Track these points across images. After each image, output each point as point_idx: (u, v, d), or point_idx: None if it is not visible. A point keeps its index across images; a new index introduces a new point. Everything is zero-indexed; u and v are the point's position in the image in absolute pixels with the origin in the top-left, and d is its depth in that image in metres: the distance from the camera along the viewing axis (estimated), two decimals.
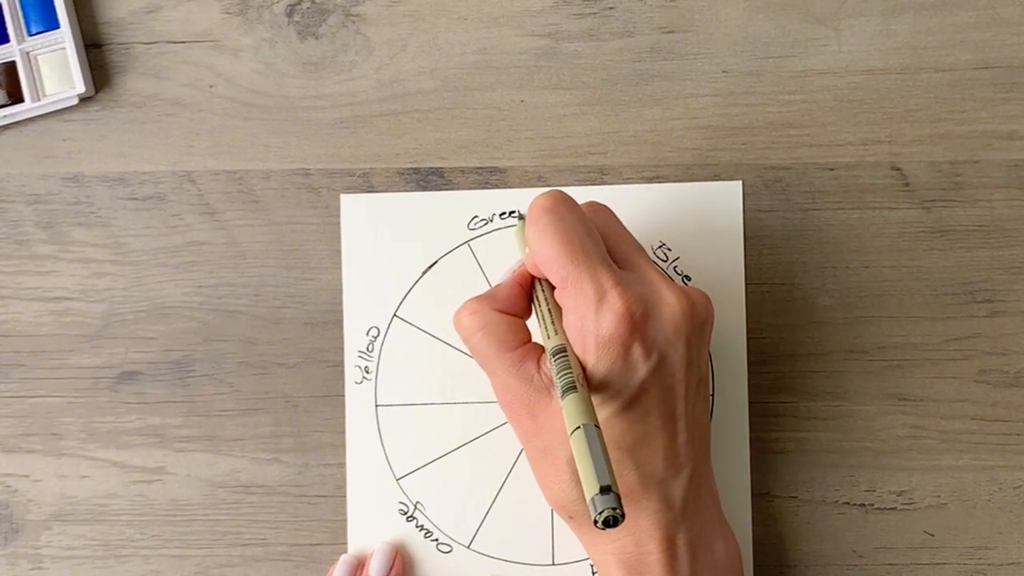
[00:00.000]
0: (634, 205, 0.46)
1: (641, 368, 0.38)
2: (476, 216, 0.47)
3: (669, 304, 0.39)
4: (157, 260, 0.47)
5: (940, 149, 0.46)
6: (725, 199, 0.46)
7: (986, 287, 0.46)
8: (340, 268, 0.47)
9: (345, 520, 0.46)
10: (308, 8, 0.47)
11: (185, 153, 0.47)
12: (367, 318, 0.46)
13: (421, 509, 0.46)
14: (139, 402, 0.47)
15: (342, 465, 0.46)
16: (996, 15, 0.46)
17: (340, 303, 0.47)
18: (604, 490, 0.33)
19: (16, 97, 0.47)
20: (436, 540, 0.46)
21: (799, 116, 0.46)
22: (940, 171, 0.46)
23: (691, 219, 0.46)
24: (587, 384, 0.37)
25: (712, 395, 0.45)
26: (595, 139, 0.47)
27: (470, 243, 0.47)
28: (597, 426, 0.35)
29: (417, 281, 0.47)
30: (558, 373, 0.37)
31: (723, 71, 0.46)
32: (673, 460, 0.39)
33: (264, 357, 0.47)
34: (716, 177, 0.46)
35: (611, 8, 0.47)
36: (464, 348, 0.45)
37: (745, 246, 0.46)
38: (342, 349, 0.46)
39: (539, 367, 0.39)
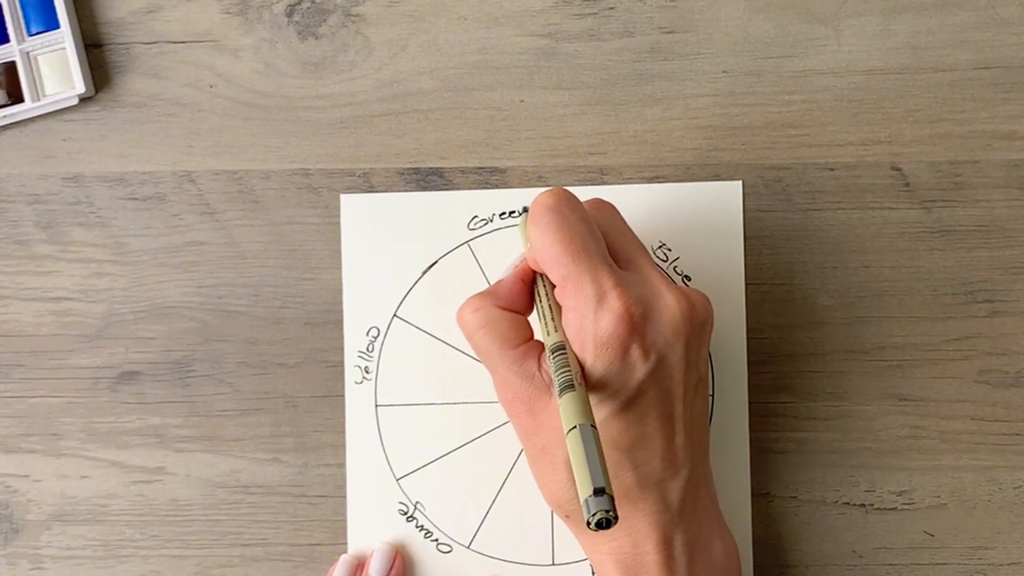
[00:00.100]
0: (634, 205, 0.46)
1: (639, 369, 0.38)
2: (476, 216, 0.47)
3: (669, 306, 0.39)
4: (157, 260, 0.47)
5: (940, 149, 0.46)
6: (725, 199, 0.46)
7: (986, 287, 0.46)
8: (340, 268, 0.47)
9: (345, 520, 0.46)
10: (308, 8, 0.47)
11: (185, 153, 0.47)
12: (367, 318, 0.46)
13: (421, 509, 0.46)
14: (139, 402, 0.47)
15: (342, 465, 0.46)
16: (996, 15, 0.46)
17: (340, 303, 0.47)
18: (598, 492, 0.33)
19: (16, 97, 0.47)
20: (436, 540, 0.46)
21: (799, 116, 0.46)
22: (940, 171, 0.46)
23: (691, 219, 0.46)
24: (585, 383, 0.37)
25: (712, 395, 0.45)
26: (595, 139, 0.47)
27: (470, 243, 0.47)
28: (593, 426, 0.35)
29: (417, 281, 0.47)
30: (556, 370, 0.37)
31: (723, 71, 0.46)
32: (671, 461, 0.39)
33: (264, 357, 0.47)
34: (716, 177, 0.46)
35: (611, 8, 0.47)
36: (464, 348, 0.45)
37: (745, 246, 0.46)
38: (342, 349, 0.46)
39: (540, 365, 0.39)
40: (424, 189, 0.47)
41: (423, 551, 0.46)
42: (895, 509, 0.46)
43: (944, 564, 0.46)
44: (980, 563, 0.45)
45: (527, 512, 0.46)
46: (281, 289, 0.47)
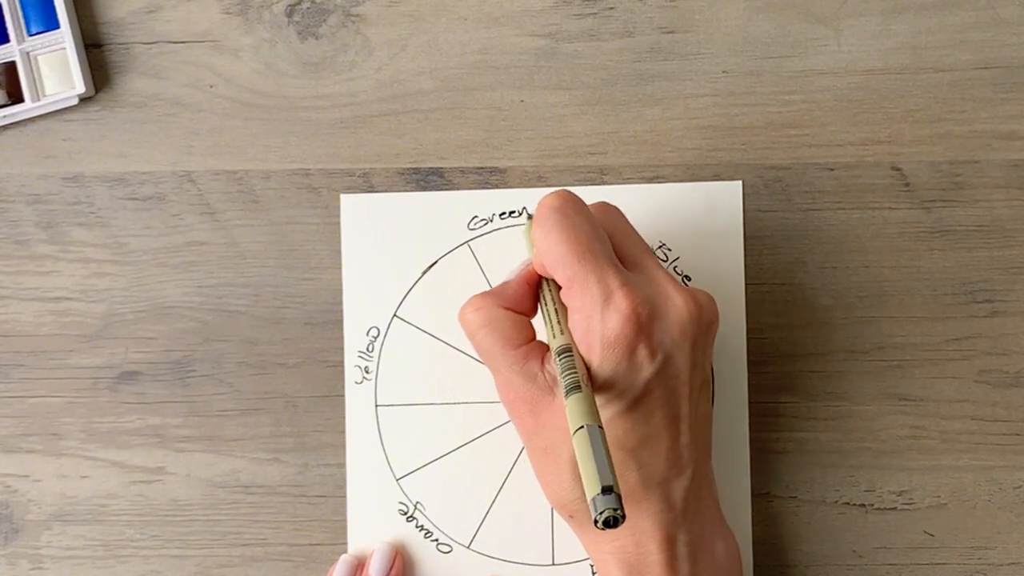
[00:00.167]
0: (634, 205, 0.46)
1: (646, 369, 0.38)
2: (476, 216, 0.47)
3: (676, 306, 0.39)
4: (157, 260, 0.47)
5: (940, 149, 0.46)
6: (725, 199, 0.46)
7: (986, 287, 0.46)
8: (340, 268, 0.47)
9: (345, 520, 0.46)
10: (308, 8, 0.47)
11: (185, 153, 0.47)
12: (367, 318, 0.46)
13: (421, 509, 0.46)
14: (139, 402, 0.47)
15: (342, 465, 0.46)
16: (996, 15, 0.46)
17: (340, 303, 0.47)
18: (605, 490, 0.33)
19: (16, 97, 0.47)
20: (436, 540, 0.46)
21: (799, 116, 0.46)
22: (940, 171, 0.46)
23: (691, 219, 0.46)
24: (591, 384, 0.37)
25: (712, 395, 0.45)
26: (595, 139, 0.47)
27: (470, 243, 0.47)
28: (600, 426, 0.35)
29: (417, 281, 0.47)
30: (562, 372, 0.37)
31: (723, 71, 0.46)
32: (676, 461, 0.39)
33: (264, 357, 0.47)
34: (716, 177, 0.46)
35: (611, 8, 0.47)
36: (464, 348, 0.45)
37: (745, 246, 0.46)
38: (342, 349, 0.46)
39: (543, 365, 0.39)
40: (424, 189, 0.47)
41: (423, 551, 0.46)
42: (895, 509, 0.46)
43: (944, 564, 0.46)
44: (980, 563, 0.46)
45: (527, 512, 0.46)
46: (281, 289, 0.47)
